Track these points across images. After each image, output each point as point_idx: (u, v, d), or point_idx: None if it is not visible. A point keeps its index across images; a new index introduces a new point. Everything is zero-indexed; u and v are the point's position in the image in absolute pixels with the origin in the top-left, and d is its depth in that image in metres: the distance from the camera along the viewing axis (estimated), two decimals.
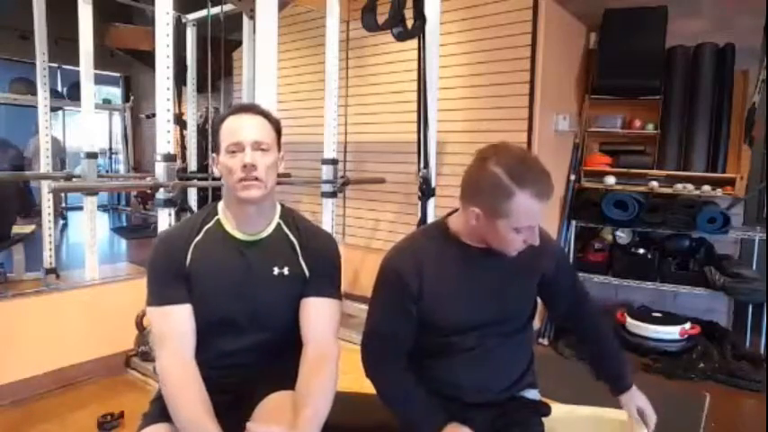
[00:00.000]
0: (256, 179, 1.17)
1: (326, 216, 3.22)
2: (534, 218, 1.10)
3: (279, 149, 1.24)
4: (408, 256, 1.23)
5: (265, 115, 1.23)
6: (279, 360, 1.24)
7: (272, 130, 1.23)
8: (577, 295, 1.38)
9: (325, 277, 1.27)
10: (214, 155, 1.25)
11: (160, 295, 1.20)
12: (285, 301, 1.24)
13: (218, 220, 1.26)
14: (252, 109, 1.24)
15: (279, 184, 1.29)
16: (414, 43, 2.83)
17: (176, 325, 1.18)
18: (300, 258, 1.26)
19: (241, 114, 1.22)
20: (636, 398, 1.31)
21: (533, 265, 1.25)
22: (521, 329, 1.29)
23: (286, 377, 1.20)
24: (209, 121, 5.01)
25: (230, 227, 1.25)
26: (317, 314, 1.24)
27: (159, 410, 1.20)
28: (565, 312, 1.40)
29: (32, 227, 3.73)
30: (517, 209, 1.06)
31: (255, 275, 1.23)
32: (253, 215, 1.24)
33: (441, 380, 1.24)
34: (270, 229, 1.27)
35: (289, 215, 1.32)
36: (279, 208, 1.31)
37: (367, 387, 1.32)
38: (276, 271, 1.24)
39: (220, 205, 1.29)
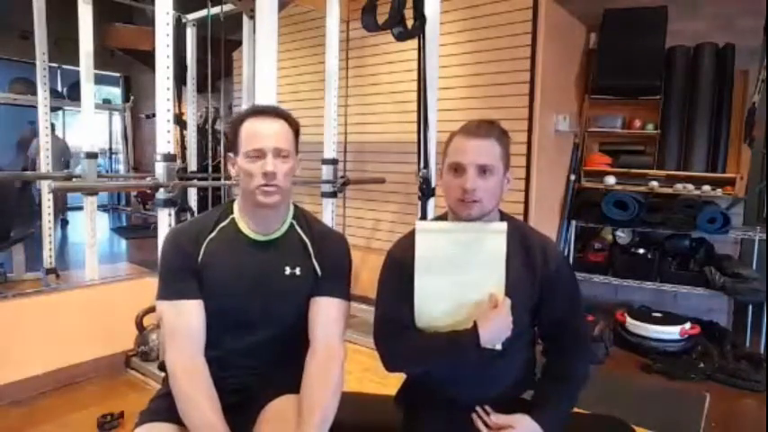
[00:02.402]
0: (275, 186, 1.18)
1: (326, 216, 3.22)
2: (461, 153, 1.18)
3: (296, 152, 1.25)
4: (408, 244, 1.27)
5: (286, 118, 1.23)
6: (287, 360, 1.25)
7: (292, 135, 1.23)
8: (567, 328, 1.28)
9: (336, 278, 1.28)
10: (230, 154, 1.25)
11: (171, 289, 1.20)
12: (296, 301, 1.25)
13: (233, 218, 1.27)
14: (273, 112, 1.23)
15: None
16: (414, 43, 2.82)
17: (186, 319, 1.18)
18: (313, 258, 1.27)
19: (263, 118, 1.20)
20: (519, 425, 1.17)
21: (526, 261, 1.24)
22: (520, 332, 1.27)
23: (292, 379, 1.20)
24: (210, 121, 5.01)
25: (244, 226, 1.26)
26: (325, 314, 1.24)
27: (158, 408, 1.20)
28: (545, 334, 1.32)
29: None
30: (451, 147, 1.22)
31: (267, 274, 1.23)
32: (267, 216, 1.25)
33: (440, 380, 1.25)
34: (283, 229, 1.28)
35: (301, 215, 1.32)
36: (292, 208, 1.32)
37: (368, 387, 1.32)
38: (288, 270, 1.24)
39: (236, 204, 1.29)
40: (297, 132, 1.25)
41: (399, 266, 1.26)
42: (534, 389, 1.29)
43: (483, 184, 1.17)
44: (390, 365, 1.24)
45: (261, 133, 1.18)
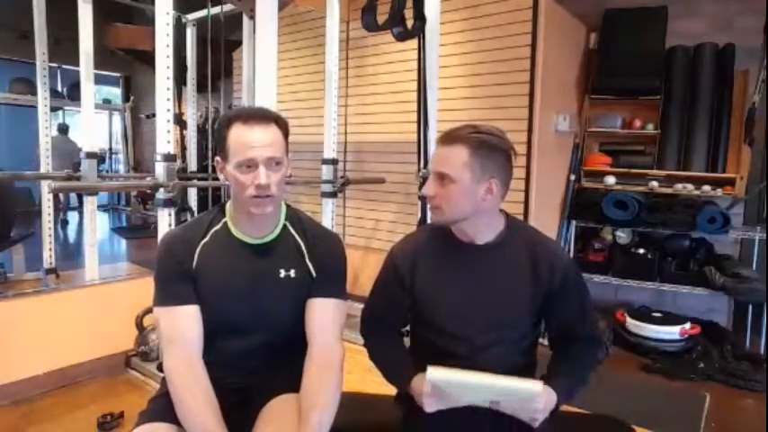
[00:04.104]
0: (268, 197, 1.16)
1: (326, 216, 3.22)
2: (436, 159, 1.21)
3: (287, 153, 1.21)
4: (409, 247, 1.31)
5: (276, 122, 1.19)
6: (285, 361, 1.24)
7: (283, 139, 1.19)
8: (577, 333, 1.28)
9: (332, 278, 1.27)
10: (218, 158, 1.20)
11: (167, 295, 1.20)
12: (292, 303, 1.24)
13: (226, 222, 1.26)
14: (263, 117, 1.17)
15: None
16: (414, 43, 2.83)
17: (183, 325, 1.18)
18: (307, 260, 1.26)
19: (253, 125, 1.14)
20: (542, 398, 1.11)
21: (530, 271, 1.24)
22: (521, 338, 1.27)
23: (292, 378, 1.20)
24: (210, 121, 5.01)
25: (237, 230, 1.25)
26: (323, 315, 1.24)
27: (156, 409, 1.20)
28: (554, 338, 1.33)
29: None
30: None
31: (262, 278, 1.23)
32: (260, 221, 1.24)
33: None
34: (276, 232, 1.27)
35: (294, 216, 1.31)
36: (284, 208, 1.30)
37: (368, 387, 1.33)
38: (283, 273, 1.24)
39: (228, 208, 1.28)
40: (287, 134, 1.21)
41: (394, 267, 1.29)
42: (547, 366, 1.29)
43: (441, 191, 1.17)
44: (369, 356, 1.34)
45: (252, 143, 1.13)
